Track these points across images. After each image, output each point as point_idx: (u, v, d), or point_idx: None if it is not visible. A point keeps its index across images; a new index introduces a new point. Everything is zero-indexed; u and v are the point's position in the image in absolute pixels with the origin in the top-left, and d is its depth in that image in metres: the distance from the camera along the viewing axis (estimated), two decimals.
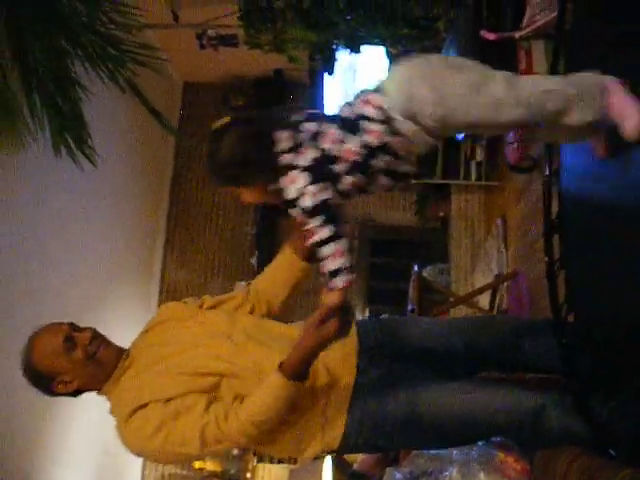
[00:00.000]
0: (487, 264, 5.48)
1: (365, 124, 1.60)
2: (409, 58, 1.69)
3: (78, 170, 3.71)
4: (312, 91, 5.92)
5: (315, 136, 1.65)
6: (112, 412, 1.96)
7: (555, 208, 2.16)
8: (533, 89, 1.56)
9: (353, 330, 1.90)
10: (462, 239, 6.01)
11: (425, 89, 1.56)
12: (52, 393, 1.99)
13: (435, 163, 5.64)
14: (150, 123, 4.08)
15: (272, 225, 6.38)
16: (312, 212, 1.63)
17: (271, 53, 4.19)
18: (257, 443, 1.94)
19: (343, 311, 1.72)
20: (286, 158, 1.64)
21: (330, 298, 1.69)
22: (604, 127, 1.62)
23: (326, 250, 1.64)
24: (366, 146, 1.60)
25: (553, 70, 2.21)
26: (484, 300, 5.05)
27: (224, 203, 6.70)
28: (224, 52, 5.22)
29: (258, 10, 3.85)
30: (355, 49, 3.59)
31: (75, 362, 1.94)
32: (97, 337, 2.01)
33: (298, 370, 1.76)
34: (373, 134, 1.60)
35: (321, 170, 1.63)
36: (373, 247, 6.94)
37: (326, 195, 1.63)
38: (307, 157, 1.63)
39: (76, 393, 2.02)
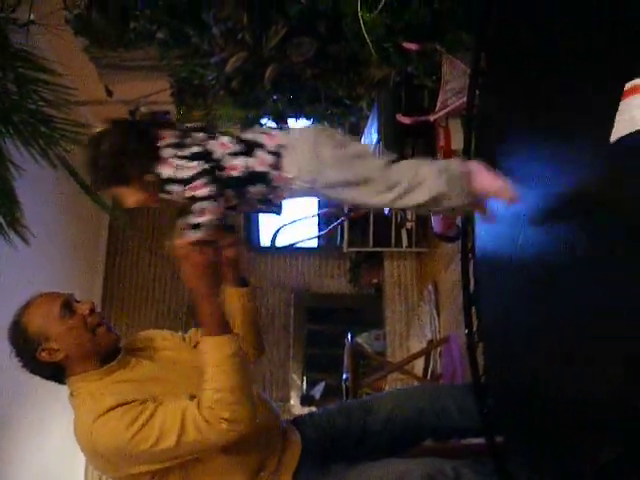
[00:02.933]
0: (421, 329, 5.57)
1: (258, 151, 1.67)
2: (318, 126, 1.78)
3: (10, 247, 3.69)
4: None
5: (202, 141, 1.69)
6: (83, 402, 1.81)
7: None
8: (401, 176, 1.67)
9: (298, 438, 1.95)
10: (396, 305, 6.11)
11: (311, 154, 1.67)
12: (32, 361, 1.84)
13: (367, 231, 5.76)
14: (84, 199, 4.09)
15: None
16: (194, 177, 1.63)
17: None
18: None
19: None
20: (167, 151, 1.66)
21: (179, 242, 1.68)
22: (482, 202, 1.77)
23: (197, 205, 1.63)
24: (248, 168, 1.66)
25: (466, 148, 2.35)
26: (419, 366, 5.11)
27: (160, 276, 6.68)
28: None
29: (190, 87, 3.93)
30: (283, 125, 3.71)
31: (69, 329, 1.83)
32: (97, 313, 1.92)
33: (211, 320, 1.71)
34: (261, 160, 1.66)
35: (202, 159, 1.65)
36: (309, 315, 6.97)
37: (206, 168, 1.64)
38: (190, 150, 1.66)
39: (55, 370, 1.87)
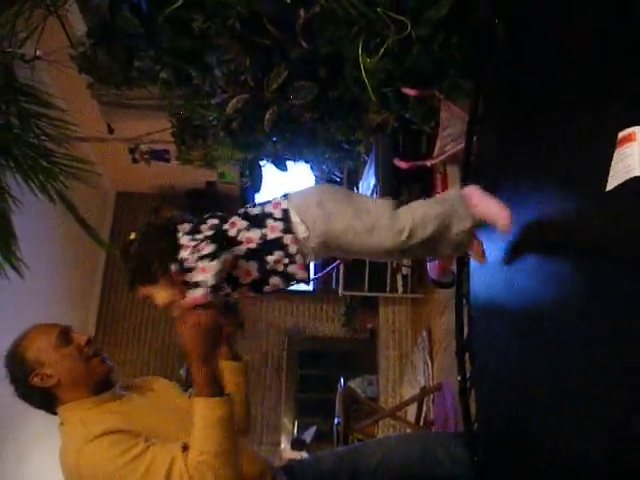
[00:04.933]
0: (414, 375, 5.54)
1: (269, 221, 1.73)
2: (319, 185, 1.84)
3: (5, 280, 3.68)
4: (243, 203, 6.05)
5: (216, 225, 1.74)
6: (72, 428, 1.81)
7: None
8: (411, 216, 1.72)
9: None
10: (390, 350, 6.08)
11: (318, 208, 1.73)
12: (24, 386, 1.86)
13: (363, 275, 5.76)
14: (81, 234, 4.10)
15: None
16: (202, 241, 1.68)
17: (202, 168, 4.29)
18: None
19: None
20: (184, 239, 1.71)
21: (181, 302, 1.69)
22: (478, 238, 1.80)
23: (201, 263, 1.66)
24: (264, 237, 1.71)
25: None
26: (411, 412, 5.07)
27: (154, 314, 6.66)
28: (157, 165, 5.33)
29: (190, 127, 3.96)
30: (281, 167, 3.73)
31: (63, 356, 1.87)
32: (93, 344, 1.94)
33: (205, 383, 1.69)
34: (272, 228, 1.72)
35: (218, 238, 1.70)
36: (302, 359, 6.94)
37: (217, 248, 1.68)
38: (204, 234, 1.70)
39: (46, 397, 1.88)
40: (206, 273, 1.65)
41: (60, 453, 1.79)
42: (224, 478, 1.65)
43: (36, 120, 3.80)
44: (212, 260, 1.65)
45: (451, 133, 2.79)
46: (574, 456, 1.45)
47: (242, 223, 1.74)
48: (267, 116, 3.10)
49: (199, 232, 1.73)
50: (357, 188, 4.08)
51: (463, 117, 2.64)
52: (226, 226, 1.74)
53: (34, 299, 5.26)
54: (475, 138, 2.29)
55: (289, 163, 3.81)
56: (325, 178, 4.08)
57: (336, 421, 4.54)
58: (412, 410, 5.07)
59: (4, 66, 3.66)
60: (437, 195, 1.82)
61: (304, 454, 6.26)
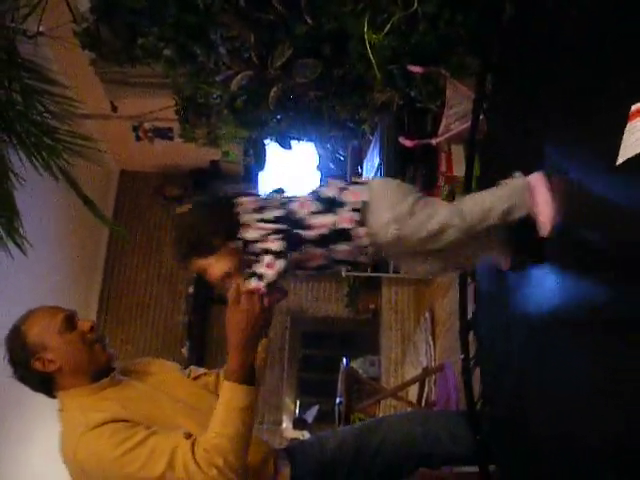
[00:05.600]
0: (416, 356, 5.54)
1: (340, 209, 1.71)
2: (391, 179, 1.90)
3: (8, 258, 3.68)
4: (246, 182, 6.03)
5: (282, 203, 1.74)
6: (71, 416, 1.81)
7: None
8: (474, 212, 1.73)
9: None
10: (392, 331, 6.08)
11: (392, 210, 1.72)
12: (25, 369, 1.85)
13: None
14: (84, 211, 4.09)
15: (204, 315, 6.37)
16: (272, 232, 1.67)
17: (206, 147, 4.28)
18: None
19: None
20: (248, 217, 1.71)
21: (239, 284, 1.69)
22: (510, 246, 1.77)
23: (267, 257, 1.66)
24: (335, 224, 1.70)
25: (468, 172, 2.35)
26: (413, 392, 5.08)
27: (157, 292, 6.67)
28: (160, 143, 5.31)
29: (194, 105, 3.94)
30: (286, 145, 3.72)
31: (67, 342, 1.85)
32: (97, 330, 1.93)
33: (239, 370, 1.70)
34: (347, 218, 1.70)
35: (285, 223, 1.69)
36: (305, 338, 6.95)
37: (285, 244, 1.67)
38: (273, 214, 1.70)
39: (45, 381, 1.87)
40: (270, 269, 1.65)
41: (60, 441, 1.79)
42: (232, 467, 1.66)
43: (39, 97, 3.78)
44: (279, 258, 1.65)
45: (456, 112, 2.77)
46: (575, 436, 1.45)
47: (313, 205, 1.72)
48: (271, 93, 3.08)
49: (266, 210, 1.71)
50: (361, 167, 4.06)
51: (469, 95, 2.62)
52: (295, 206, 1.72)
53: (37, 276, 5.27)
54: (481, 116, 2.27)
55: (293, 142, 3.80)
56: (329, 157, 4.06)
57: (338, 401, 4.54)
58: (414, 391, 5.07)
59: (7, 42, 3.63)
60: (504, 183, 1.78)
61: (306, 433, 6.28)
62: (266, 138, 3.79)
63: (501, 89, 2.16)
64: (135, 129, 5.11)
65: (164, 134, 5.13)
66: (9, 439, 5.05)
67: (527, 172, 1.88)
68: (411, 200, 1.74)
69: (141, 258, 6.73)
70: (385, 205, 1.71)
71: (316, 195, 1.75)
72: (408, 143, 3.04)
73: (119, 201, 6.94)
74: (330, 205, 1.71)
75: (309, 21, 2.78)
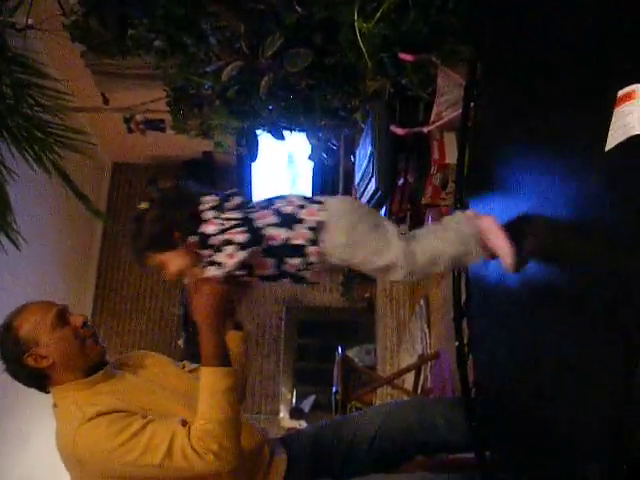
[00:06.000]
0: (412, 344, 5.56)
1: (297, 225, 1.71)
2: (351, 200, 1.92)
3: (1, 253, 3.68)
4: (240, 173, 6.03)
5: (241, 206, 1.74)
6: (66, 410, 1.82)
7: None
8: (424, 258, 1.72)
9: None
10: (387, 319, 6.09)
11: (345, 235, 1.71)
12: (16, 365, 1.86)
13: None
14: (77, 205, 4.08)
15: None
16: (236, 225, 1.68)
17: (198, 138, 4.27)
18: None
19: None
20: (210, 213, 1.71)
21: (196, 271, 1.71)
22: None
23: (230, 247, 1.66)
24: (288, 239, 1.70)
25: (460, 160, 2.35)
26: (409, 380, 5.09)
27: (152, 285, 6.67)
28: (152, 135, 5.30)
29: (186, 96, 3.93)
30: (278, 136, 3.71)
31: (59, 337, 1.86)
32: (90, 326, 1.94)
33: (213, 354, 1.73)
34: (300, 235, 1.70)
35: (244, 225, 1.69)
36: (300, 328, 6.97)
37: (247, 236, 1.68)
38: (231, 215, 1.70)
39: (37, 377, 1.88)
40: (231, 259, 1.65)
41: (56, 436, 1.80)
42: (227, 450, 1.68)
43: (30, 90, 3.77)
44: (242, 249, 1.65)
45: (448, 99, 2.77)
46: (572, 422, 1.45)
47: (272, 218, 1.72)
48: (263, 83, 3.07)
49: (223, 209, 1.72)
50: (353, 156, 4.06)
51: (460, 83, 2.62)
52: (255, 215, 1.73)
53: (31, 270, 5.26)
54: (472, 104, 2.27)
55: (285, 132, 3.79)
56: (322, 147, 4.06)
57: (334, 389, 4.56)
58: (410, 379, 5.09)
59: None
60: (454, 225, 1.78)
61: (303, 423, 6.31)
62: (258, 128, 3.78)
63: (492, 76, 2.16)
64: (127, 121, 5.10)
65: (156, 126, 5.12)
66: (6, 437, 5.05)
67: (517, 159, 1.89)
68: (366, 228, 1.73)
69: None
70: (340, 227, 1.71)
71: (275, 209, 1.76)
72: (400, 131, 3.04)
73: (112, 193, 6.94)
74: (288, 221, 1.72)
75: (299, 10, 2.78)
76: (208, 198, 1.75)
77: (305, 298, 6.78)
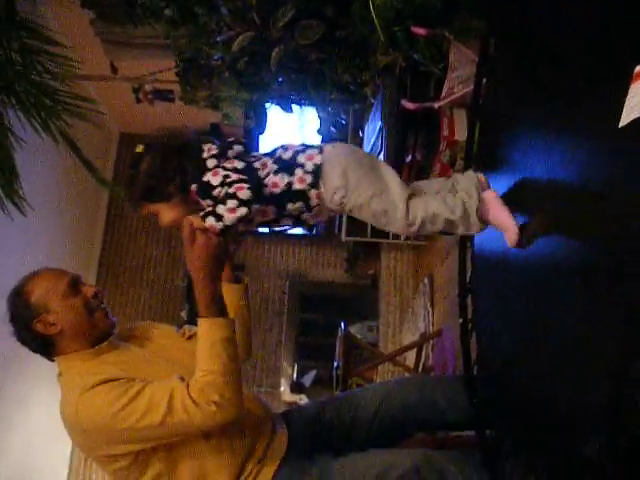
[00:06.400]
0: (414, 322, 5.57)
1: (298, 170, 1.71)
2: (348, 145, 1.88)
3: (8, 220, 3.68)
4: (248, 146, 6.01)
5: (242, 154, 1.74)
6: (71, 380, 1.81)
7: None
8: (424, 212, 1.71)
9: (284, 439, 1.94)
10: (391, 297, 6.10)
11: (341, 177, 1.71)
12: (25, 330, 1.86)
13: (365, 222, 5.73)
14: (84, 174, 4.08)
15: None
16: (239, 180, 1.66)
17: (207, 109, 4.25)
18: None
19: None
20: (212, 162, 1.69)
21: (193, 219, 1.68)
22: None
23: (231, 202, 1.64)
24: (289, 185, 1.70)
25: (470, 137, 2.34)
26: (411, 358, 5.11)
27: (156, 255, 6.68)
28: (161, 105, 5.27)
29: (195, 67, 3.91)
30: (287, 109, 3.70)
31: (70, 306, 1.86)
32: (101, 297, 1.94)
33: (209, 304, 1.71)
34: (300, 179, 1.70)
35: (246, 174, 1.68)
36: (303, 302, 6.97)
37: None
38: (234, 165, 1.69)
39: (45, 344, 1.87)
40: (232, 213, 1.63)
41: (60, 406, 1.80)
42: (229, 401, 1.67)
43: (38, 57, 3.75)
44: (243, 206, 1.63)
45: (459, 75, 2.75)
46: (571, 399, 1.45)
47: (273, 166, 1.72)
48: (273, 55, 3.05)
49: (226, 157, 1.71)
50: (362, 131, 4.04)
51: (473, 59, 2.59)
52: (257, 165, 1.73)
53: (37, 237, 5.27)
54: (484, 80, 2.25)
55: (294, 105, 3.78)
56: (330, 121, 4.04)
57: (336, 364, 4.57)
58: (411, 356, 5.10)
59: (5, 0, 3.59)
60: (457, 192, 1.75)
61: (303, 397, 6.35)
62: (267, 101, 3.77)
63: (505, 52, 2.13)
64: (135, 91, 5.07)
65: (165, 96, 5.09)
66: (8, 403, 5.09)
67: (527, 136, 1.87)
68: (363, 171, 1.72)
69: (141, 221, 6.73)
70: (336, 171, 1.71)
71: (276, 157, 1.76)
72: (410, 106, 3.01)
73: (119, 164, 6.92)
74: (287, 166, 1.72)
75: None
76: (209, 146, 1.73)
77: (309, 273, 6.78)
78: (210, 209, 1.66)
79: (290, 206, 1.72)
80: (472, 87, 2.34)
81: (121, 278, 6.65)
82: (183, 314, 6.34)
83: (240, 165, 1.70)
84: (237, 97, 3.73)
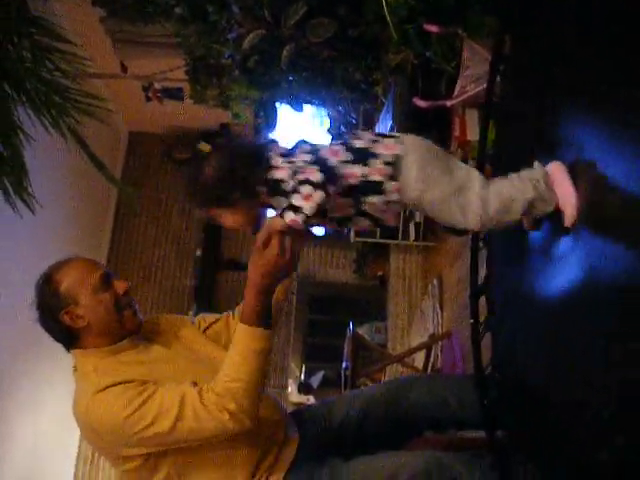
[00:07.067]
0: (423, 323, 5.55)
1: (373, 161, 1.62)
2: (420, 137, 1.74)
3: (16, 217, 3.67)
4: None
5: (312, 151, 1.65)
6: (86, 377, 1.79)
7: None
8: (496, 203, 1.63)
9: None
10: (400, 298, 6.08)
11: (422, 171, 1.62)
12: (52, 319, 1.81)
13: None
14: (93, 172, 4.07)
15: (211, 278, 6.38)
16: (308, 164, 1.59)
17: (216, 108, 4.25)
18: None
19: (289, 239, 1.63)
20: (278, 160, 1.63)
21: (274, 221, 1.60)
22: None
23: (304, 188, 1.56)
24: (365, 176, 1.62)
25: (482, 137, 2.31)
26: (419, 359, 5.09)
27: (165, 255, 6.67)
28: (170, 104, 5.27)
29: (205, 66, 3.91)
30: (297, 108, 3.68)
31: (100, 301, 1.82)
32: (131, 295, 1.91)
33: (257, 313, 1.65)
34: (378, 170, 1.62)
35: (326, 167, 1.60)
36: (312, 304, 6.97)
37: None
38: (302, 158, 1.62)
39: (69, 335, 1.83)
40: (309, 201, 1.54)
41: (73, 401, 1.77)
42: (244, 412, 1.64)
43: (49, 54, 3.75)
44: (318, 189, 1.55)
45: (472, 73, 2.72)
46: (589, 403, 1.43)
47: (345, 155, 1.63)
48: (284, 53, 3.04)
49: (293, 155, 1.64)
50: (372, 131, 4.04)
51: (486, 57, 2.57)
52: (325, 153, 1.64)
53: (45, 236, 5.26)
54: (498, 79, 2.22)
55: (305, 104, 3.76)
56: (341, 120, 4.03)
57: (344, 365, 4.56)
58: (420, 358, 5.09)
59: None
60: (523, 173, 1.67)
61: (311, 398, 6.33)
62: (277, 100, 3.75)
63: (519, 51, 2.11)
64: (145, 89, 5.06)
65: (174, 95, 5.07)
66: (18, 402, 5.08)
67: (546, 134, 1.85)
68: (441, 165, 1.64)
69: (149, 220, 6.72)
70: (417, 164, 1.62)
71: (347, 145, 1.66)
72: (422, 103, 2.98)
73: (128, 162, 6.91)
74: (362, 156, 1.63)
75: None
76: (275, 146, 1.68)
77: (318, 274, 6.77)
78: (285, 204, 1.58)
79: (367, 199, 1.63)
80: (485, 86, 2.31)
81: (129, 277, 6.64)
82: (191, 314, 6.33)
83: (308, 157, 1.62)
84: (247, 96, 3.71)
